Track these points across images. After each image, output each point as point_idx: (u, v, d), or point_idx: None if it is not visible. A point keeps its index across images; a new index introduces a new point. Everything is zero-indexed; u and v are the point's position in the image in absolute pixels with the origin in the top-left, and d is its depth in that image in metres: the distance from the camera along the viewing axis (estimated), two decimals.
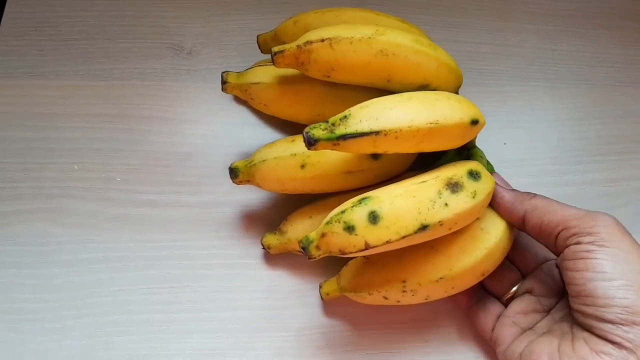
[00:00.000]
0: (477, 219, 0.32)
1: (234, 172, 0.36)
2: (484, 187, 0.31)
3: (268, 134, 0.42)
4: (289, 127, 0.42)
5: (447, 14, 0.47)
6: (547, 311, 0.33)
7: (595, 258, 0.28)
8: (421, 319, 0.38)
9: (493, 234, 0.33)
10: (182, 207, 0.40)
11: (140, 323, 0.37)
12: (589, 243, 0.29)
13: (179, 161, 0.41)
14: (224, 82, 0.37)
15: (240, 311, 0.38)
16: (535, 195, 0.32)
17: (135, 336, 0.37)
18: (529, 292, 0.35)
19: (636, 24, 0.47)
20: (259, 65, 0.38)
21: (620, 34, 0.46)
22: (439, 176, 0.30)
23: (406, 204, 0.29)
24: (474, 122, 0.31)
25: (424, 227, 0.29)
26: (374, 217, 0.28)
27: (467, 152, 0.36)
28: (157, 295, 0.38)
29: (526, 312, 0.34)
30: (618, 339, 0.27)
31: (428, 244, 0.32)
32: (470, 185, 0.31)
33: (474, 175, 0.31)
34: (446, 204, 0.29)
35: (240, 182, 0.37)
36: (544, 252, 0.35)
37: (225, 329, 0.37)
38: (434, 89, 0.33)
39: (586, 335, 0.29)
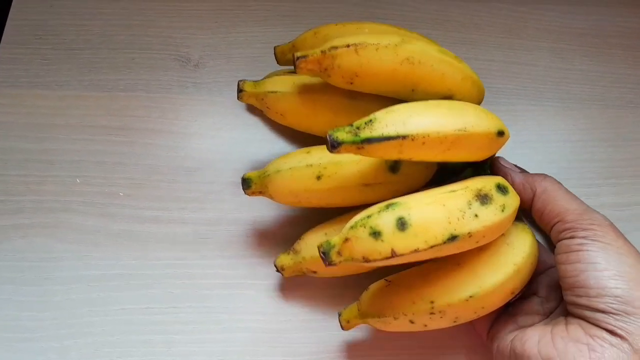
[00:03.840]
0: (503, 234, 0.31)
1: (246, 183, 0.35)
2: (511, 202, 0.30)
3: (276, 149, 0.41)
4: (299, 142, 0.41)
5: (459, 30, 0.46)
6: (547, 315, 0.34)
7: (588, 250, 0.29)
8: (429, 346, 0.37)
9: (521, 249, 0.32)
10: (186, 224, 0.39)
11: (140, 344, 0.36)
12: (582, 237, 0.30)
13: (184, 176, 0.40)
14: (240, 91, 0.36)
15: (244, 333, 0.37)
16: (546, 176, 0.33)
17: (136, 357, 0.36)
18: (535, 293, 0.35)
19: None
20: (276, 75, 0.37)
21: (635, 55, 0.45)
22: (469, 187, 0.29)
23: (436, 212, 0.28)
24: (500, 133, 0.31)
25: (453, 238, 0.27)
26: (402, 224, 0.27)
27: (484, 172, 0.35)
28: (159, 316, 0.37)
29: (528, 312, 0.34)
30: (610, 327, 0.28)
31: (453, 261, 0.31)
32: (499, 198, 0.30)
33: (502, 189, 0.30)
34: (476, 215, 0.28)
35: (253, 194, 0.35)
36: (549, 259, 0.36)
37: (228, 351, 0.36)
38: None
39: (581, 321, 0.29)
